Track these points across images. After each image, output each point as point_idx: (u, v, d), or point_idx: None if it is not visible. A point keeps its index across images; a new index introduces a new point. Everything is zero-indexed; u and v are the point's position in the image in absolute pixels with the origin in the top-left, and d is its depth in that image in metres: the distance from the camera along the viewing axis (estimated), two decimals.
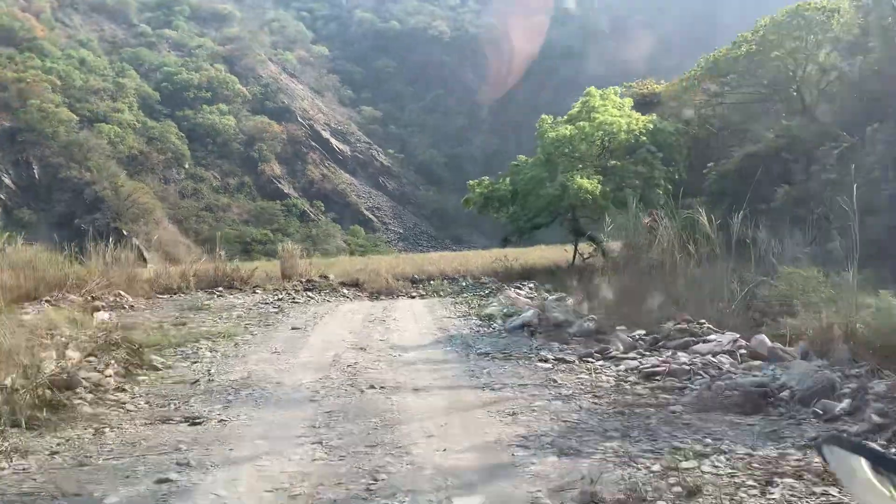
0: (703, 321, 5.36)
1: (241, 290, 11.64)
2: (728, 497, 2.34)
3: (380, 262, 15.94)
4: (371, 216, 46.01)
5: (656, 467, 2.65)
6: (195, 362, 5.47)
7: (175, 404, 4.11)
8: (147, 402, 4.18)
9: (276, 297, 10.52)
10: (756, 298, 6.34)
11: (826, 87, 13.38)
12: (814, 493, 2.33)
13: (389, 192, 48.79)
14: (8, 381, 3.82)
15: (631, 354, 4.82)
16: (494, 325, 7.00)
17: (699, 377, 4.09)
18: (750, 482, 2.47)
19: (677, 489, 2.40)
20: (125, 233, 28.51)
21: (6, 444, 3.17)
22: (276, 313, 8.72)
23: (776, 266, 6.66)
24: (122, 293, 10.14)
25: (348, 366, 5.09)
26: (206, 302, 9.83)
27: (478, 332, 6.71)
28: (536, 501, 2.40)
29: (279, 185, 44.81)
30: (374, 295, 11.25)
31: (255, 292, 11.37)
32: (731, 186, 11.48)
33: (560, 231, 15.03)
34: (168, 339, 6.41)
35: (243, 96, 47.85)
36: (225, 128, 45.24)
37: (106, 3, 50.74)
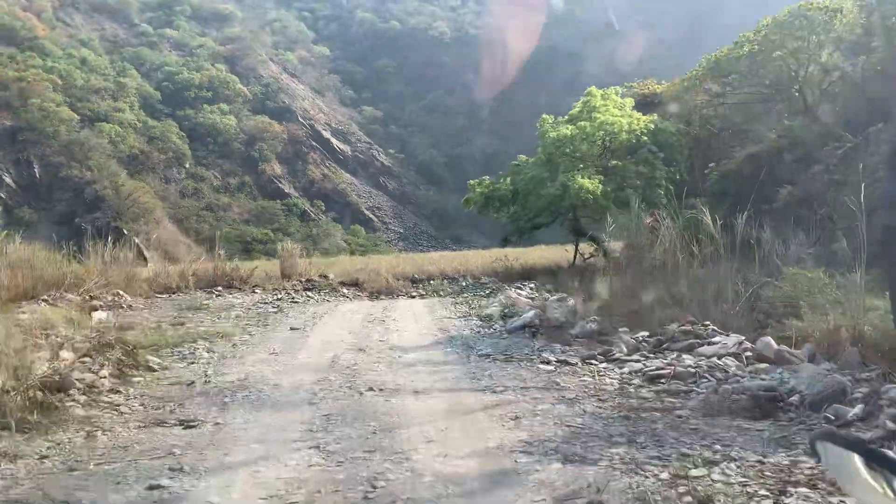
0: (707, 323, 5.27)
1: (240, 289, 11.56)
2: None
3: (380, 261, 15.86)
4: (371, 216, 45.98)
5: (664, 475, 2.56)
6: (192, 363, 5.39)
7: (170, 406, 4.02)
8: (141, 404, 4.10)
9: (275, 297, 10.44)
10: (760, 300, 6.26)
11: (828, 88, 13.30)
12: None
13: (390, 191, 48.77)
14: None
15: (634, 357, 4.73)
16: (495, 325, 6.91)
17: (705, 380, 4.00)
18: (763, 491, 2.38)
19: (688, 499, 2.32)
20: (125, 232, 28.47)
21: None
22: (276, 313, 8.64)
23: (780, 267, 6.58)
24: (121, 292, 10.07)
25: (347, 367, 5.01)
26: (205, 302, 9.76)
27: (478, 332, 6.63)
28: None
29: (280, 185, 44.78)
30: (374, 295, 11.17)
31: (254, 292, 11.29)
32: (732, 187, 11.40)
33: (560, 231, 14.95)
34: (165, 340, 6.33)
35: (244, 96, 47.83)
36: (226, 127, 45.22)
37: (107, 3, 50.75)
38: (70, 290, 9.50)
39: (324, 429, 3.43)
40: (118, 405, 4.07)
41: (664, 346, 4.97)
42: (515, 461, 2.81)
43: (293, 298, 10.44)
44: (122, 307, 9.26)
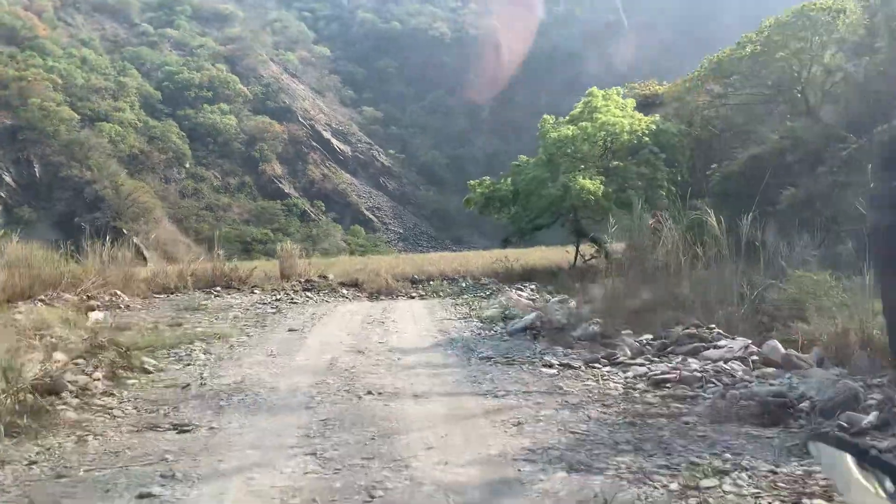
0: (712, 326, 5.18)
1: (239, 290, 11.49)
2: None
3: (379, 262, 15.80)
4: (371, 216, 45.95)
5: (674, 485, 2.47)
6: (188, 365, 5.31)
7: (164, 410, 3.93)
8: (135, 408, 4.01)
9: (274, 298, 10.36)
10: (764, 302, 6.17)
11: (830, 89, 13.23)
12: None
13: (390, 192, 48.75)
14: None
15: (639, 360, 4.64)
16: (496, 327, 6.82)
17: (711, 385, 3.91)
18: (777, 503, 2.29)
19: None
20: (125, 232, 28.41)
21: None
22: (274, 314, 8.56)
23: (785, 269, 6.50)
24: (119, 293, 9.99)
25: (345, 370, 4.92)
26: (203, 302, 9.68)
27: (479, 334, 6.54)
28: None
29: (280, 185, 44.76)
30: (374, 295, 11.10)
31: (253, 292, 11.22)
32: (734, 188, 11.33)
33: (560, 232, 14.89)
34: (162, 341, 6.24)
35: (244, 96, 47.82)
36: (226, 127, 45.20)
37: (108, 3, 50.76)
38: (67, 289, 9.43)
39: (321, 434, 3.34)
40: (111, 408, 3.98)
41: (669, 349, 4.87)
42: (518, 470, 2.71)
43: (292, 299, 10.36)
44: (120, 307, 9.18)
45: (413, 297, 11.03)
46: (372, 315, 8.32)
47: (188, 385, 4.54)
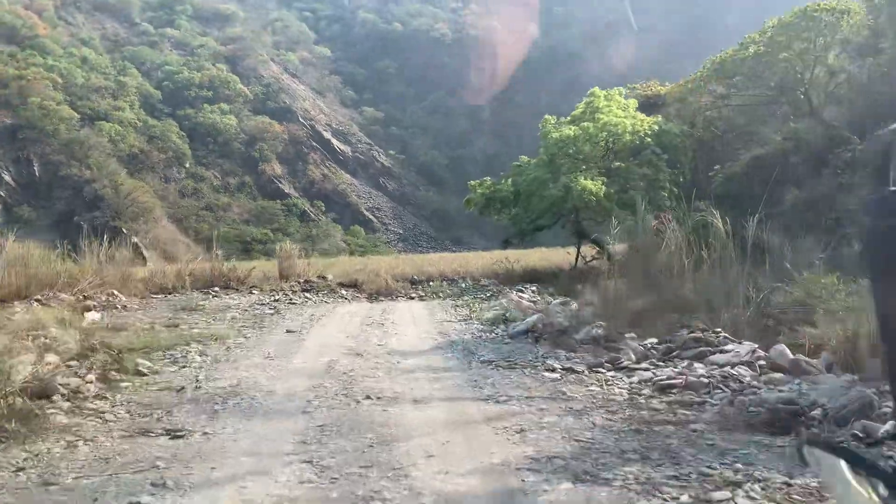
0: (718, 330, 5.09)
1: (237, 290, 11.41)
2: None
3: (379, 262, 15.72)
4: (371, 216, 45.89)
5: (685, 497, 2.37)
6: (183, 367, 5.21)
7: (157, 414, 3.83)
8: (128, 412, 3.91)
9: (272, 298, 10.27)
10: (770, 305, 6.08)
11: (834, 90, 13.15)
12: None
13: (390, 192, 48.69)
14: None
15: (643, 365, 4.54)
16: (497, 330, 6.73)
17: (719, 391, 3.81)
18: None
19: None
20: (124, 231, 28.32)
21: None
22: (272, 315, 8.46)
23: (791, 272, 6.41)
24: (116, 293, 9.91)
25: (344, 373, 4.82)
26: (201, 302, 9.59)
27: (479, 337, 6.45)
28: None
29: (280, 185, 44.69)
30: (373, 296, 11.01)
31: (251, 293, 11.13)
32: (737, 189, 11.25)
33: (560, 233, 14.81)
34: (157, 342, 6.14)
35: (245, 96, 47.77)
36: (226, 127, 45.15)
37: (108, 2, 50.72)
38: (64, 289, 9.35)
39: (318, 441, 3.24)
40: (103, 412, 3.88)
41: (674, 353, 4.78)
42: (522, 480, 2.61)
43: (291, 300, 10.27)
44: (117, 307, 9.09)
45: (413, 298, 10.94)
46: (371, 316, 8.22)
47: (183, 388, 4.44)
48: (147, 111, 44.19)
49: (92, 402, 4.09)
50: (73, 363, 4.85)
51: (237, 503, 2.52)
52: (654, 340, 5.23)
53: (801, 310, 5.72)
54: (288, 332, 6.89)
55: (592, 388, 4.15)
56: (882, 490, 0.79)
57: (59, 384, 4.21)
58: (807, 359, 4.18)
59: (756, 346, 4.62)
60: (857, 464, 0.81)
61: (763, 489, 2.43)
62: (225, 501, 2.54)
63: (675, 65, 35.83)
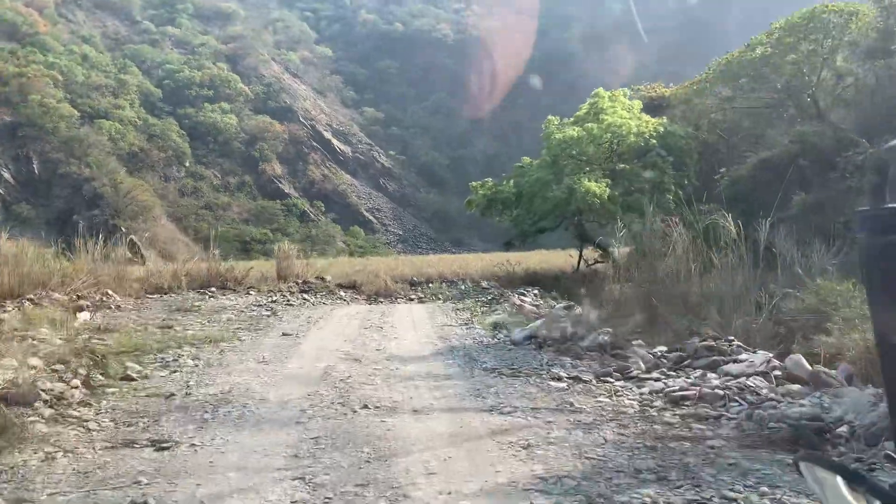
0: (731, 338, 4.89)
1: (234, 290, 11.22)
2: None
3: (378, 263, 15.55)
4: (371, 217, 45.74)
5: None
6: (174, 371, 5.01)
7: (143, 423, 3.64)
8: (112, 420, 3.71)
9: (269, 299, 10.08)
10: (782, 312, 5.89)
11: (841, 93, 12.99)
12: None
13: (390, 193, 48.54)
14: None
15: (654, 374, 4.35)
16: (499, 335, 6.54)
17: (735, 404, 3.62)
18: None
19: None
20: (123, 230, 28.13)
21: None
22: (269, 316, 8.27)
23: (802, 277, 6.22)
24: (110, 292, 9.72)
25: (340, 380, 4.62)
26: (197, 303, 9.39)
27: (481, 342, 6.25)
28: None
29: (280, 185, 44.53)
30: (372, 298, 10.83)
31: (248, 293, 10.94)
32: (743, 192, 11.08)
33: (561, 236, 14.64)
34: (149, 344, 5.95)
35: (245, 95, 47.63)
36: (226, 126, 45.00)
37: (109, 0, 50.59)
38: (57, 288, 9.15)
39: (311, 455, 3.05)
40: (86, 421, 3.68)
41: (685, 362, 4.59)
42: (531, 503, 2.42)
43: (288, 301, 10.08)
44: (110, 308, 8.89)
45: (412, 300, 10.76)
46: (370, 319, 8.03)
47: (172, 395, 4.25)
48: (147, 110, 44.05)
49: (75, 410, 3.89)
50: (58, 367, 4.66)
51: None
52: (664, 348, 5.04)
53: (813, 317, 5.54)
54: (284, 335, 6.69)
55: (601, 398, 3.96)
56: None
57: (42, 390, 4.02)
58: (826, 370, 3.98)
59: (771, 355, 4.43)
60: (853, 480, 0.81)
61: None
62: None
63: (675, 68, 35.72)
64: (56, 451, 3.15)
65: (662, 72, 29.26)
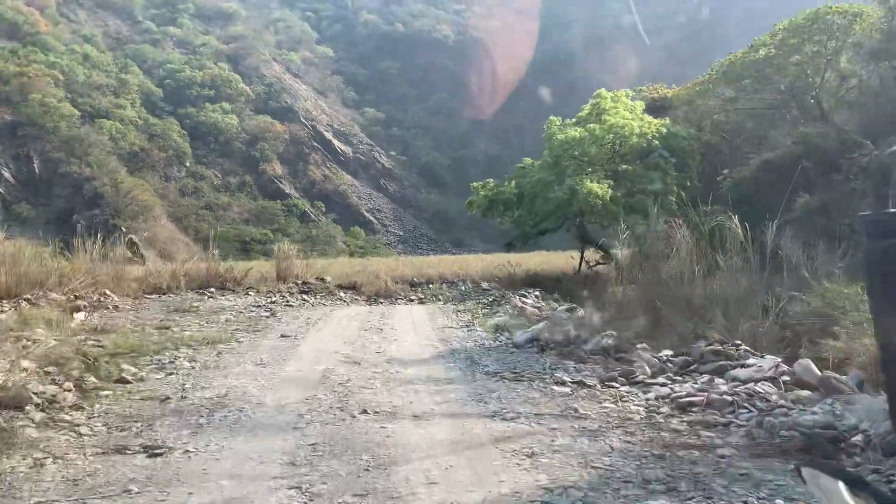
0: (738, 342, 4.80)
1: (233, 291, 11.15)
2: None
3: (379, 264, 15.48)
4: (371, 218, 45.69)
5: None
6: (170, 374, 4.92)
7: (137, 428, 3.55)
8: (105, 424, 3.62)
9: (269, 300, 10.00)
10: (788, 316, 5.79)
11: (844, 94, 12.91)
12: None
13: (390, 194, 48.50)
14: None
15: (660, 379, 4.26)
16: (501, 337, 6.45)
17: (744, 411, 3.52)
18: None
19: None
20: (123, 229, 28.08)
21: None
22: (268, 318, 8.19)
23: (808, 280, 6.13)
24: (108, 292, 9.65)
25: (339, 384, 4.53)
26: (195, 304, 9.32)
27: (482, 345, 6.16)
28: None
29: (280, 185, 44.48)
30: (372, 299, 10.76)
31: (247, 294, 10.87)
32: (746, 194, 11.00)
33: (562, 237, 14.56)
34: (146, 346, 5.86)
35: (246, 95, 47.61)
36: (227, 126, 44.97)
37: (111, 0, 50.60)
38: (54, 288, 9.07)
39: (308, 462, 2.96)
40: (78, 425, 3.59)
41: (691, 367, 4.49)
42: None
43: (288, 302, 10.00)
44: (108, 308, 8.81)
45: (412, 301, 10.68)
46: (370, 321, 7.94)
47: (167, 398, 4.15)
48: (148, 109, 44.05)
49: (67, 413, 3.80)
50: (51, 369, 4.56)
51: None
52: (670, 352, 4.94)
53: (820, 321, 5.44)
54: (282, 336, 6.61)
55: (606, 404, 3.86)
56: None
57: (34, 393, 3.92)
58: (837, 376, 3.89)
59: (779, 360, 4.33)
60: (856, 486, 0.81)
61: None
62: None
63: (676, 70, 35.71)
64: (45, 458, 3.06)
65: (664, 74, 29.23)
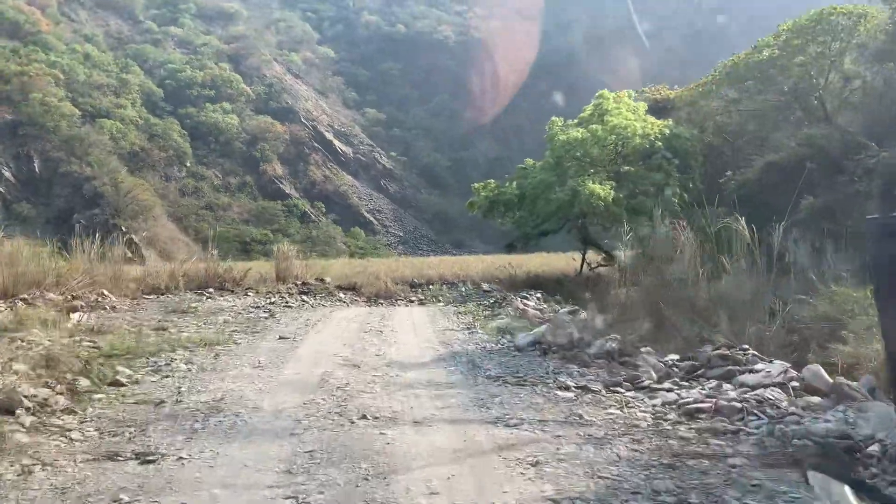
0: (746, 347, 4.70)
1: (232, 292, 11.06)
2: None
3: (379, 265, 15.40)
4: (372, 218, 45.63)
5: None
6: (166, 376, 4.83)
7: (129, 433, 3.45)
8: (97, 429, 3.52)
9: (268, 301, 9.91)
10: (795, 320, 5.70)
11: (848, 96, 12.83)
12: None
13: (391, 194, 48.45)
14: None
15: (666, 385, 4.16)
16: (502, 340, 6.35)
17: (754, 418, 3.43)
18: None
19: None
20: (123, 229, 28.01)
21: None
22: (266, 319, 8.10)
23: (815, 283, 6.03)
24: (106, 293, 9.56)
25: (338, 387, 4.44)
26: (193, 304, 9.23)
27: (484, 347, 6.07)
28: None
29: (281, 186, 44.42)
30: (372, 300, 10.67)
31: (246, 295, 10.78)
32: (749, 196, 10.91)
33: (563, 238, 14.47)
34: (142, 347, 5.77)
35: (247, 95, 47.58)
36: (228, 127, 44.93)
37: (112, 0, 50.63)
38: (51, 288, 8.99)
39: (305, 471, 2.86)
40: (69, 430, 3.50)
41: (698, 372, 4.39)
42: None
43: (287, 303, 9.91)
44: (105, 308, 8.73)
45: (412, 302, 10.59)
46: (369, 323, 7.85)
47: (162, 402, 4.06)
48: (149, 109, 44.03)
49: (59, 418, 3.71)
50: (44, 371, 4.47)
51: None
52: (676, 357, 4.84)
53: (828, 325, 5.35)
54: (281, 338, 6.51)
55: (611, 410, 3.77)
56: None
57: (25, 396, 3.83)
58: (848, 382, 3.79)
59: (788, 365, 4.23)
60: (861, 490, 0.65)
61: None
62: None
63: (677, 71, 35.65)
64: (34, 464, 2.97)
65: (665, 75, 29.17)
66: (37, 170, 36.93)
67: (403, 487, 2.65)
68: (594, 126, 12.85)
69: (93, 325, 7.06)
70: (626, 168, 13.03)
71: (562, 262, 14.67)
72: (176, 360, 5.38)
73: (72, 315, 7.50)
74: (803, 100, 13.08)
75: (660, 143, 12.66)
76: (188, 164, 43.57)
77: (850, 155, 10.67)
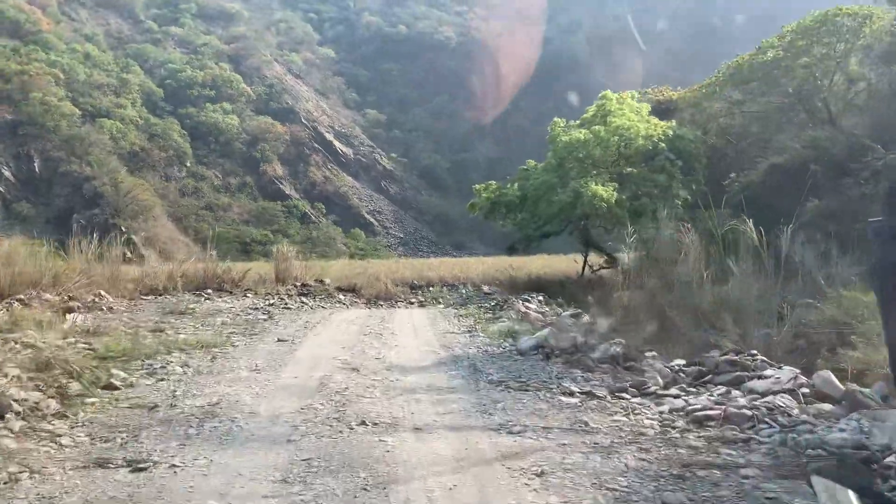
0: (754, 352, 4.60)
1: (231, 293, 10.96)
2: None
3: (379, 266, 15.31)
4: (372, 220, 45.55)
5: None
6: (161, 380, 4.73)
7: (121, 439, 3.35)
8: (88, 435, 3.42)
9: (266, 303, 9.81)
10: (803, 324, 5.60)
11: (853, 98, 12.75)
12: None
13: (391, 196, 48.38)
14: None
15: (673, 391, 4.06)
16: (504, 344, 6.25)
17: (765, 426, 3.33)
18: None
19: None
20: (123, 229, 27.93)
21: None
22: (265, 321, 7.99)
23: (823, 287, 5.94)
24: (103, 293, 9.46)
25: (337, 392, 4.34)
26: (191, 306, 9.12)
27: (486, 351, 5.97)
28: None
29: (281, 186, 44.35)
30: (372, 301, 10.58)
31: (245, 296, 10.67)
32: (753, 198, 10.82)
33: (563, 240, 14.38)
34: (138, 349, 5.66)
35: (247, 96, 47.54)
36: (228, 127, 44.88)
37: None
38: (49, 289, 8.89)
39: (302, 480, 2.76)
40: (59, 435, 3.40)
41: (706, 378, 4.29)
42: None
43: (286, 304, 9.81)
44: (102, 309, 8.62)
45: (413, 304, 10.49)
46: (369, 325, 7.75)
47: (156, 406, 3.96)
48: (149, 109, 43.98)
49: (49, 422, 3.60)
50: (36, 374, 4.37)
51: None
52: (682, 362, 4.74)
53: (836, 330, 5.25)
54: (279, 340, 6.41)
55: (617, 417, 3.67)
56: None
57: (15, 400, 3.73)
58: (860, 388, 3.69)
59: (798, 371, 4.13)
60: (864, 494, 0.75)
61: None
62: None
63: (679, 73, 35.61)
64: (21, 472, 2.86)
65: (668, 76, 29.14)
66: (37, 169, 36.87)
67: (403, 498, 2.55)
68: (597, 127, 12.77)
69: (89, 326, 6.96)
70: (629, 170, 12.95)
71: (564, 264, 14.57)
72: (172, 362, 5.28)
73: (68, 316, 7.40)
74: (807, 101, 13.00)
75: (663, 145, 12.57)
76: (188, 165, 43.51)
77: (855, 157, 10.58)
